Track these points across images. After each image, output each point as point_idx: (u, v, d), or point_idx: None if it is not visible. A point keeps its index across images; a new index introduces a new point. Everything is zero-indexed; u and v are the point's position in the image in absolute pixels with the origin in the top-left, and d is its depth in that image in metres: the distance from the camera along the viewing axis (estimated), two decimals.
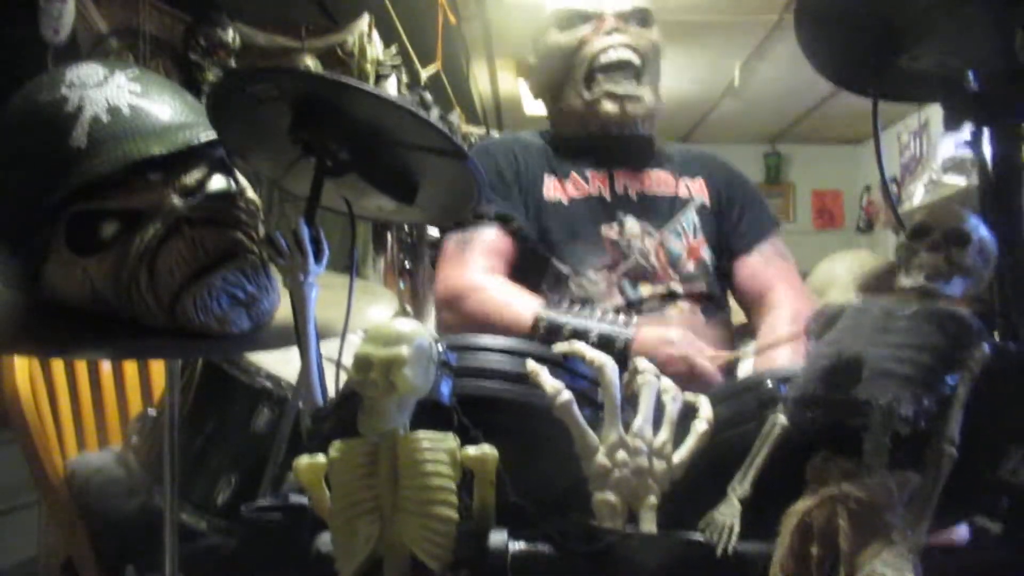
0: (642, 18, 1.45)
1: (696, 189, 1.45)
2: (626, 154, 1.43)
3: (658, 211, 1.40)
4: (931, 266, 0.69)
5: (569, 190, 1.40)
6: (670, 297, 1.33)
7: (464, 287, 1.30)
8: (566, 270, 1.33)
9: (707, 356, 1.16)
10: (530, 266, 1.36)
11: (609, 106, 1.39)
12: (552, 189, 1.41)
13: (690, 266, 1.37)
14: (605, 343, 1.12)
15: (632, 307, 1.30)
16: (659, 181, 1.43)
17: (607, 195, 1.40)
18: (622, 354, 1.10)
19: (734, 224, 1.46)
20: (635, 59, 1.40)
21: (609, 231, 1.36)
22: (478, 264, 1.32)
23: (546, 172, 1.42)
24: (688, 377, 1.12)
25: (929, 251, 0.70)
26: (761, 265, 1.43)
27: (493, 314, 1.24)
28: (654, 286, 1.33)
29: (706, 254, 1.39)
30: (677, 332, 1.18)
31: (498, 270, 1.33)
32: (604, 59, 1.40)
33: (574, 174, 1.42)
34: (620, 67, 1.40)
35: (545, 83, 1.49)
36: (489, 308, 1.25)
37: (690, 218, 1.41)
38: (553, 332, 1.15)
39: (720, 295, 1.42)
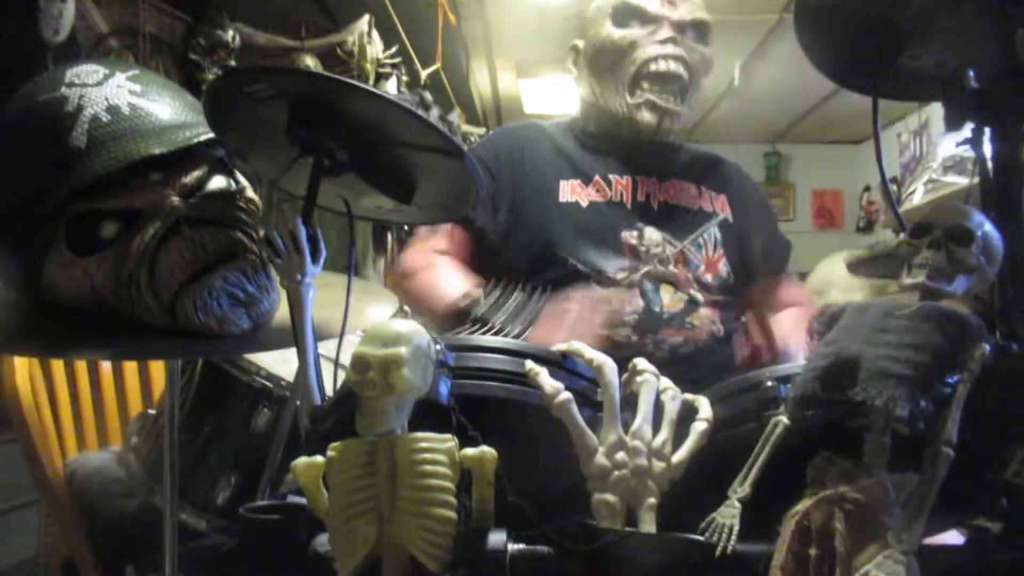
0: (700, 31, 1.42)
1: (719, 204, 1.44)
2: (653, 162, 1.41)
3: (680, 222, 1.38)
4: (932, 264, 0.69)
5: (590, 193, 1.39)
6: (692, 303, 1.32)
7: (411, 265, 1.35)
8: (584, 269, 1.31)
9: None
10: (498, 262, 1.37)
11: (648, 116, 1.37)
12: (570, 191, 1.39)
13: (708, 278, 1.36)
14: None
15: (652, 314, 1.29)
16: (683, 191, 1.42)
17: (628, 202, 1.38)
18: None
19: (765, 247, 1.46)
20: (684, 74, 1.38)
21: (629, 237, 1.35)
22: (435, 247, 1.37)
23: (565, 173, 1.40)
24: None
25: (931, 249, 0.70)
26: (786, 286, 1.48)
27: (426, 288, 1.28)
28: (676, 291, 1.32)
29: (723, 268, 1.38)
30: (572, 318, 1.15)
31: (455, 256, 1.37)
32: (654, 68, 1.37)
33: (597, 177, 1.40)
34: (668, 79, 1.37)
35: (588, 73, 1.45)
36: (424, 283, 1.30)
37: (712, 232, 1.40)
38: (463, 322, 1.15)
39: (735, 305, 1.41)
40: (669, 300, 1.31)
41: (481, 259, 1.40)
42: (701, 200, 1.43)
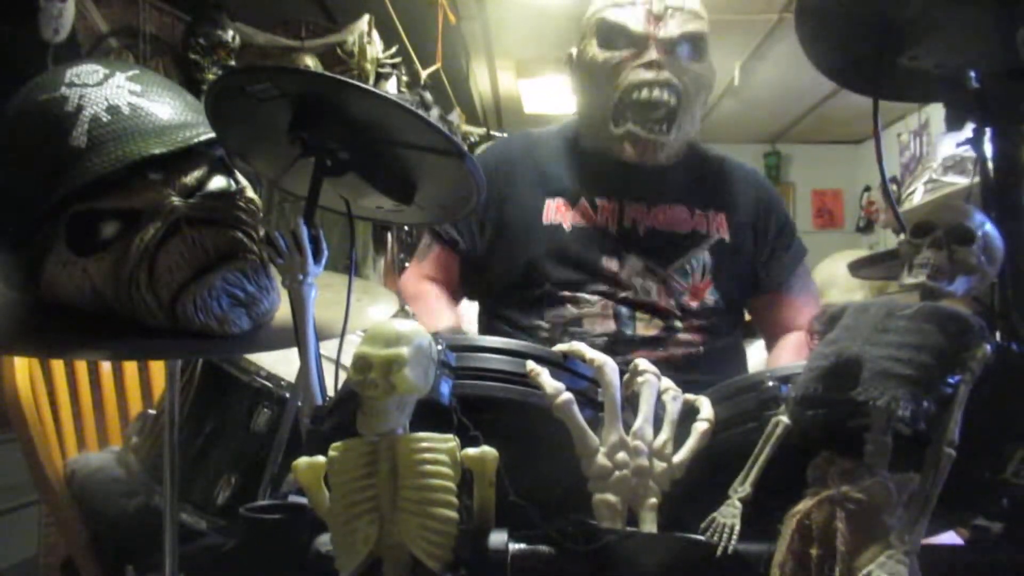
0: (693, 45, 1.31)
1: (716, 225, 1.37)
2: (642, 188, 1.35)
3: (666, 249, 1.33)
4: (933, 264, 0.69)
5: (575, 216, 1.34)
6: (668, 330, 1.29)
7: (408, 291, 1.43)
8: (561, 292, 1.30)
9: None
10: (481, 280, 1.41)
11: (629, 149, 1.31)
12: (554, 211, 1.35)
13: (692, 304, 1.31)
14: None
15: (623, 336, 1.27)
16: (673, 217, 1.35)
17: (613, 228, 1.33)
18: None
19: (764, 262, 1.40)
20: (671, 100, 1.28)
21: (609, 264, 1.31)
22: (425, 272, 1.45)
23: (552, 191, 1.37)
24: None
25: (932, 248, 0.70)
26: (787, 303, 1.41)
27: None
28: (652, 318, 1.29)
29: (710, 296, 1.33)
30: None
31: (441, 281, 1.44)
32: (636, 96, 1.28)
33: (583, 201, 1.35)
34: (653, 107, 1.28)
35: (578, 89, 1.40)
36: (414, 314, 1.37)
37: (701, 258, 1.34)
38: None
39: (725, 325, 1.35)
40: (644, 327, 1.28)
41: (465, 279, 1.43)
42: (694, 223, 1.36)
